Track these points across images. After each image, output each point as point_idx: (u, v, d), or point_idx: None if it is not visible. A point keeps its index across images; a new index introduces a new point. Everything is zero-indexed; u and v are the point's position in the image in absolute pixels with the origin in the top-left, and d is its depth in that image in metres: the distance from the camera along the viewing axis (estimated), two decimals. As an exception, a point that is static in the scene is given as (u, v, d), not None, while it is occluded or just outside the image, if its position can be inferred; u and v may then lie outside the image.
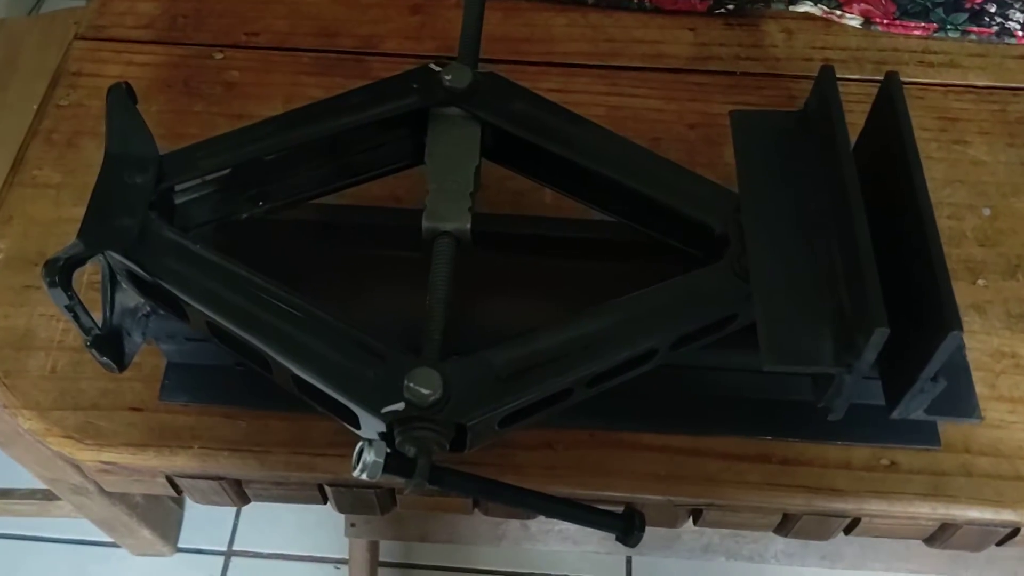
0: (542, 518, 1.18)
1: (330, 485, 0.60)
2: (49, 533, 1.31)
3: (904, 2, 0.79)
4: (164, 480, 0.61)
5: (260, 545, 1.32)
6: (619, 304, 0.52)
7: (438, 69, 0.59)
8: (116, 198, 0.54)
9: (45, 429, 0.59)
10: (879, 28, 0.79)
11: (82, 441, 0.59)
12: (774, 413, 0.60)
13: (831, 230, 0.53)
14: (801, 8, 0.80)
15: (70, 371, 0.61)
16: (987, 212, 0.68)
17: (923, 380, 0.49)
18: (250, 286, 0.52)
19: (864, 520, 0.59)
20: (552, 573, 1.31)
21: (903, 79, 0.74)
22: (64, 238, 0.62)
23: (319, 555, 1.31)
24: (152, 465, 0.59)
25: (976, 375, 0.60)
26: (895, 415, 0.52)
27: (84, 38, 0.77)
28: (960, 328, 0.46)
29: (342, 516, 1.18)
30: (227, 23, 0.78)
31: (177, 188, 0.56)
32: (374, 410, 0.48)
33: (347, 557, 1.27)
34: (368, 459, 0.47)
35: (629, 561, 1.31)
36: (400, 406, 0.48)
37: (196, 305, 0.52)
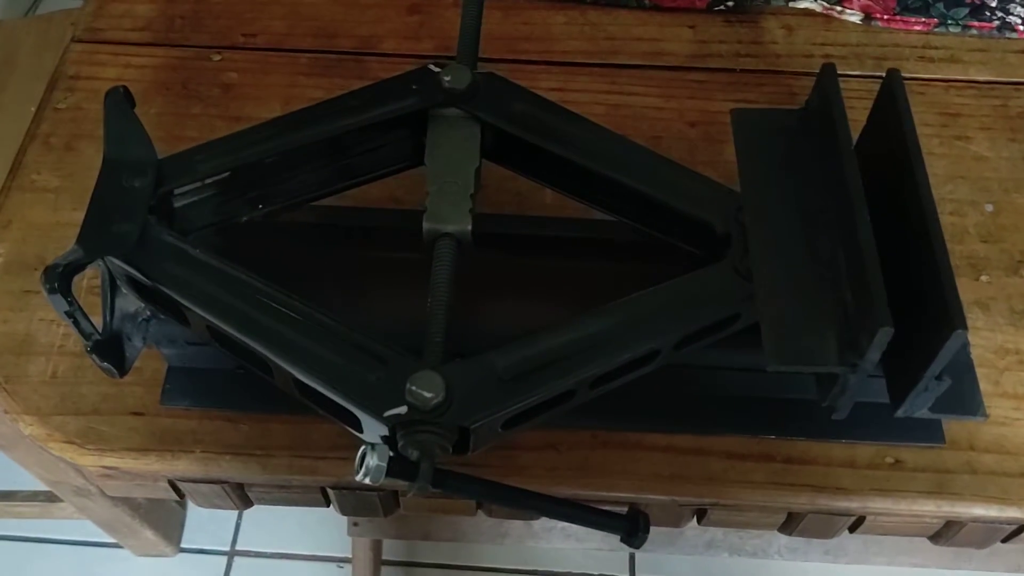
0: (545, 517, 1.18)
1: (333, 488, 0.59)
2: (52, 535, 1.31)
3: (904, -3, 0.79)
4: (166, 484, 0.61)
5: (263, 545, 1.32)
6: (621, 305, 0.52)
7: (437, 70, 0.59)
8: (115, 203, 0.53)
9: (46, 434, 0.59)
10: (879, 24, 0.78)
11: (83, 446, 0.59)
12: (778, 412, 0.59)
13: (834, 228, 0.52)
14: (801, 4, 0.79)
15: (71, 376, 0.61)
16: (989, 208, 0.68)
17: (927, 379, 0.49)
18: (251, 290, 0.52)
19: (869, 518, 0.59)
20: (555, 570, 1.31)
21: (904, 75, 0.73)
22: (63, 242, 0.62)
23: (322, 554, 1.31)
24: (154, 470, 0.59)
25: (980, 372, 0.60)
26: (899, 413, 0.52)
27: (81, 41, 0.77)
28: (965, 327, 0.46)
29: (345, 516, 1.18)
30: (225, 24, 0.78)
31: (176, 192, 0.56)
32: (377, 414, 0.48)
33: (350, 556, 1.27)
34: (371, 463, 0.47)
35: (632, 558, 1.31)
36: (403, 410, 0.48)
37: (196, 309, 0.51)
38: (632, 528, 0.52)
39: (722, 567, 1.30)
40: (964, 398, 0.55)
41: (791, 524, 0.60)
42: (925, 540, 1.10)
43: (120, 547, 1.28)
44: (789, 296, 0.51)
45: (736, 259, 0.53)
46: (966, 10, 0.77)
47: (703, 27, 0.78)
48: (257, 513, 1.34)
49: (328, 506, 0.62)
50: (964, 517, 0.58)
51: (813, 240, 0.53)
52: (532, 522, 1.19)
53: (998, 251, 0.66)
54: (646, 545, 1.24)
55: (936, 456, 0.58)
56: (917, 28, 0.78)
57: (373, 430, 0.50)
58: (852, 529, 0.61)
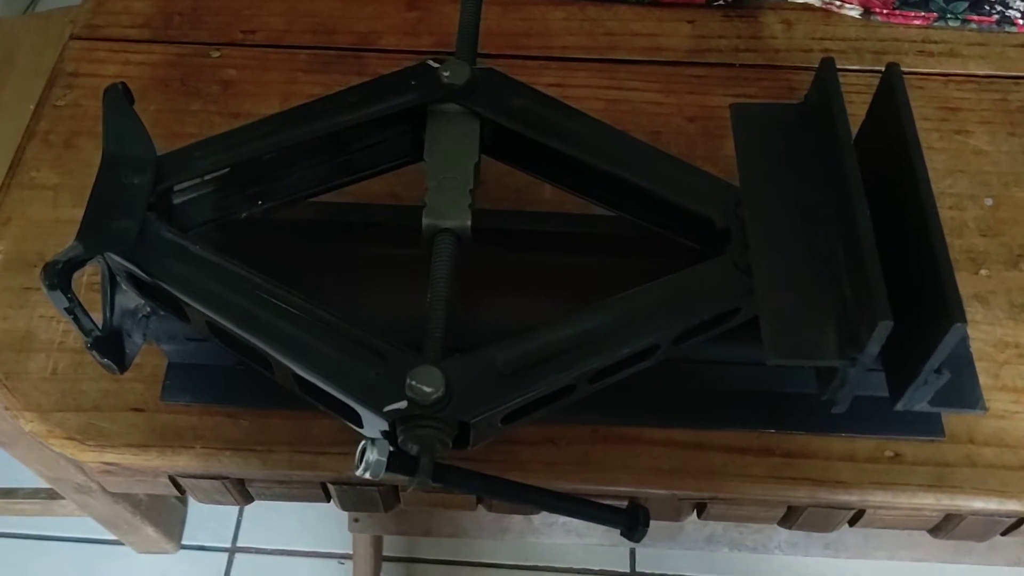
0: (545, 512, 1.18)
1: (333, 483, 0.60)
2: (54, 532, 1.31)
3: (903, -9, 0.79)
4: (167, 480, 0.61)
5: (264, 541, 1.33)
6: (621, 300, 0.52)
7: (436, 66, 0.58)
8: (114, 199, 0.53)
9: (47, 431, 0.59)
10: (878, 18, 0.78)
11: (84, 442, 0.59)
12: (777, 406, 0.59)
13: (833, 222, 0.52)
14: (800, -2, 0.79)
15: (71, 372, 0.61)
16: (989, 202, 0.68)
17: (927, 372, 0.49)
18: (250, 285, 0.52)
19: (868, 512, 0.59)
20: (556, 566, 1.31)
21: (903, 69, 0.73)
22: (63, 239, 0.62)
23: (323, 550, 1.31)
24: (155, 465, 0.59)
25: (980, 365, 0.60)
26: (899, 407, 0.52)
27: (80, 38, 0.77)
28: (964, 320, 0.46)
29: (345, 512, 1.18)
30: (223, 21, 0.78)
31: (176, 188, 0.56)
32: (377, 409, 0.48)
33: (351, 552, 1.28)
34: (371, 458, 0.47)
35: (633, 553, 1.31)
36: (402, 404, 0.48)
37: (196, 305, 0.51)
38: (632, 522, 0.52)
39: (723, 562, 1.30)
40: (963, 392, 0.55)
41: (791, 518, 0.60)
42: (925, 534, 1.10)
43: (121, 544, 1.28)
44: (788, 290, 0.51)
45: (735, 254, 0.53)
46: (965, 4, 0.77)
47: (702, 22, 0.78)
48: (258, 510, 1.34)
49: (329, 501, 0.62)
50: (964, 510, 0.58)
51: (812, 234, 0.53)
52: (532, 518, 1.19)
53: (997, 245, 0.66)
54: (646, 540, 1.24)
55: (936, 450, 0.59)
56: (916, 22, 0.78)
57: (373, 425, 0.50)
58: (852, 523, 0.61)
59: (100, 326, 0.53)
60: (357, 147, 0.60)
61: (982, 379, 0.59)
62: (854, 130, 0.56)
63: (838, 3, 0.79)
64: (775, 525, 1.17)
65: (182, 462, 0.59)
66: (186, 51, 0.76)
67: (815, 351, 0.49)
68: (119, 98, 0.56)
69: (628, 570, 1.31)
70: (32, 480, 1.07)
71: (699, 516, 0.61)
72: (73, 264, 0.50)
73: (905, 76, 0.72)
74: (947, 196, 0.68)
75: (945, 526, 0.60)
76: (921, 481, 0.58)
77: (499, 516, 1.18)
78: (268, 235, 0.62)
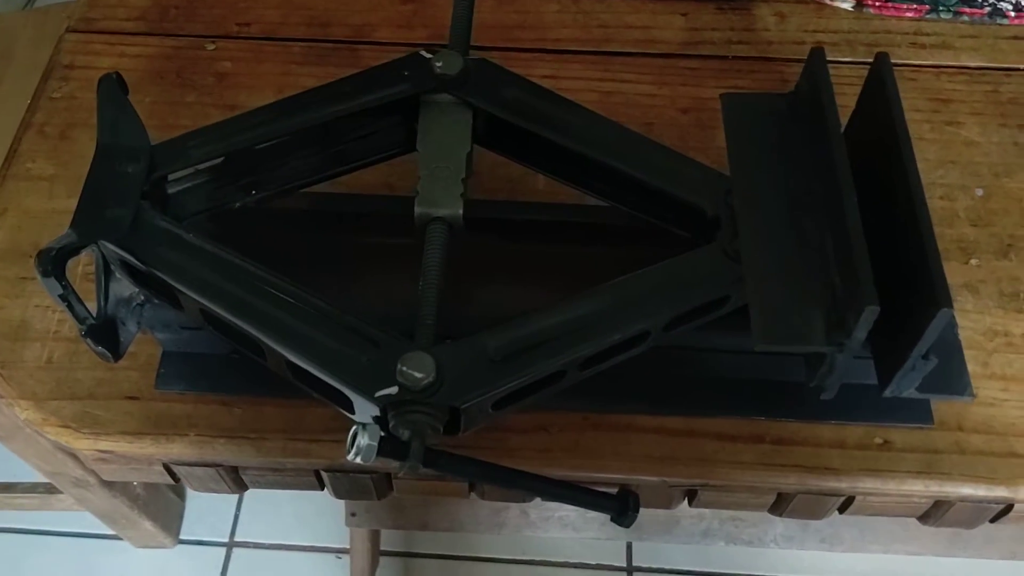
0: (541, 505, 1.18)
1: (326, 471, 0.60)
2: (51, 527, 1.31)
3: (896, -16, 0.79)
4: (161, 468, 0.61)
5: (261, 536, 1.33)
6: (611, 287, 0.53)
7: (429, 56, 0.59)
8: (108, 188, 0.54)
9: (42, 419, 0.60)
10: (871, 10, 0.79)
11: (79, 430, 0.59)
12: (768, 394, 0.60)
13: (822, 211, 0.53)
14: (793, -9, 0.80)
15: (66, 361, 0.62)
16: (980, 192, 0.69)
17: (914, 358, 0.50)
18: (243, 273, 0.52)
19: (858, 498, 0.59)
20: (553, 560, 1.31)
21: (895, 61, 0.74)
22: (58, 229, 0.61)
23: (320, 545, 1.32)
24: (149, 453, 0.59)
25: (969, 354, 0.61)
26: (887, 393, 0.52)
27: (76, 31, 0.77)
28: (950, 305, 0.46)
29: (343, 506, 1.18)
30: (219, 14, 0.78)
31: (170, 178, 0.57)
32: (368, 394, 0.49)
33: (348, 546, 1.28)
34: (362, 442, 0.47)
35: (630, 547, 1.32)
36: (393, 390, 0.48)
37: (189, 293, 0.52)
38: (622, 508, 0.52)
39: (719, 556, 1.30)
40: (952, 378, 0.56)
41: (781, 505, 0.61)
42: (920, 527, 1.10)
43: (119, 539, 1.29)
44: (777, 277, 0.51)
45: (725, 242, 0.54)
46: (957, -4, 0.78)
47: (695, 14, 0.78)
48: (256, 504, 1.35)
49: (322, 489, 0.63)
50: (952, 497, 0.58)
51: (802, 223, 0.53)
52: (528, 511, 1.20)
53: (988, 235, 0.66)
54: (642, 534, 1.24)
55: (925, 437, 0.59)
56: (908, 15, 0.78)
57: (365, 411, 0.50)
58: (842, 510, 0.61)
59: (94, 315, 0.53)
60: (350, 137, 0.60)
61: (971, 367, 0.60)
62: (845, 121, 0.57)
63: (831, -4, 0.79)
64: (771, 519, 1.17)
65: (176, 450, 0.59)
66: (181, 44, 0.76)
67: (803, 337, 0.49)
68: (113, 88, 0.57)
69: (625, 564, 1.31)
70: (30, 475, 1.07)
71: (690, 504, 0.61)
72: (67, 251, 0.50)
73: (897, 68, 0.73)
74: (938, 187, 0.69)
75: (934, 513, 0.61)
76: (910, 468, 0.58)
77: (495, 510, 1.19)
78: (262, 225, 0.62)
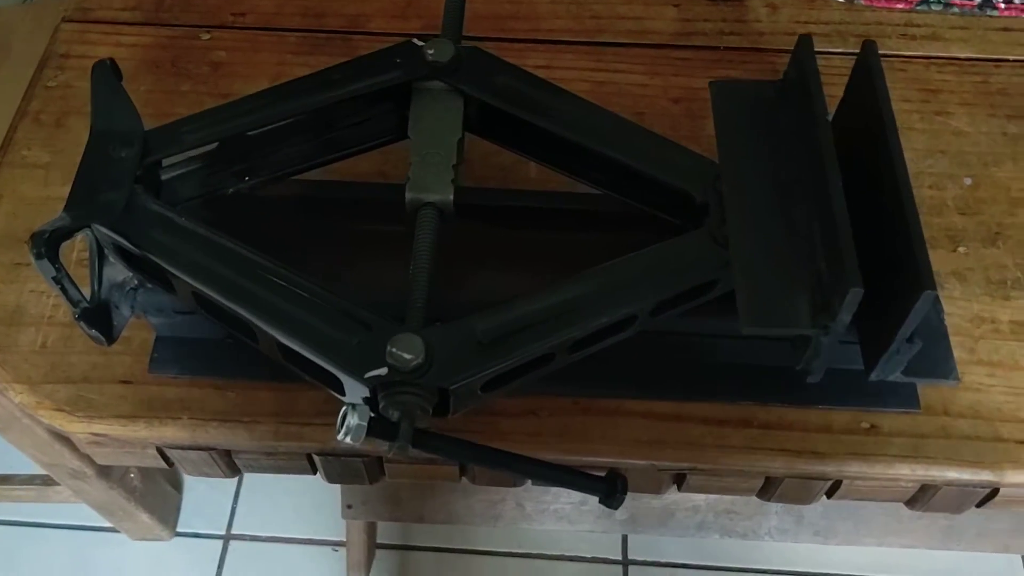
0: (537, 498, 1.19)
1: (318, 454, 0.60)
2: (48, 519, 1.32)
3: (887, -24, 0.80)
4: (155, 452, 0.62)
5: (258, 529, 1.33)
6: (599, 271, 0.53)
7: (421, 44, 0.59)
8: (102, 172, 0.54)
9: (36, 402, 0.60)
10: (862, 2, 0.79)
11: (73, 413, 0.60)
12: (756, 379, 0.60)
13: (809, 196, 0.53)
14: (785, -17, 0.80)
15: (60, 346, 0.62)
16: (968, 181, 0.69)
17: (899, 341, 0.50)
18: (235, 257, 0.53)
19: (845, 483, 0.60)
20: (549, 553, 1.31)
21: (886, 52, 0.75)
22: (53, 216, 0.62)
23: (317, 538, 1.32)
24: (142, 436, 0.60)
25: (956, 340, 0.61)
26: (873, 377, 0.53)
27: (72, 20, 0.78)
28: (933, 288, 0.47)
29: (339, 499, 1.19)
30: (214, 4, 0.79)
31: (164, 164, 0.57)
32: (358, 375, 0.49)
33: (345, 539, 1.28)
34: (352, 423, 0.48)
35: (625, 540, 1.32)
36: (383, 371, 0.49)
37: (182, 276, 0.52)
38: (610, 489, 0.53)
39: (713, 549, 1.30)
40: (937, 363, 0.56)
41: (769, 489, 0.61)
42: (914, 520, 1.10)
43: (116, 531, 1.29)
44: (764, 262, 0.52)
45: (713, 227, 0.54)
46: (948, -12, 0.78)
47: (687, 5, 0.79)
48: (252, 497, 1.35)
49: (315, 473, 0.63)
50: (938, 480, 0.59)
51: (789, 208, 0.54)
52: (524, 504, 1.20)
53: (975, 223, 0.67)
54: (637, 527, 1.25)
55: (911, 421, 0.59)
56: (899, 6, 0.79)
57: (355, 392, 0.51)
58: (829, 494, 0.62)
59: (88, 298, 0.53)
60: (343, 124, 0.61)
61: (958, 353, 0.61)
62: (834, 110, 0.57)
63: (822, -13, 0.80)
64: (766, 512, 1.17)
65: (169, 433, 0.60)
66: (177, 33, 0.77)
67: (788, 320, 0.50)
68: (107, 74, 0.57)
69: (620, 557, 1.32)
70: (28, 467, 1.08)
71: (679, 488, 0.62)
72: (60, 234, 0.51)
73: (888, 59, 0.74)
74: (927, 176, 0.69)
75: (921, 497, 0.61)
76: (897, 452, 0.58)
77: (491, 503, 1.19)
78: (255, 212, 0.62)
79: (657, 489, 0.62)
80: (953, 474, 0.58)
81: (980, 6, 0.78)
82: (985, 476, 0.58)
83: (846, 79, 0.58)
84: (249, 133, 0.58)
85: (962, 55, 0.76)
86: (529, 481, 0.63)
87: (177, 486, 1.35)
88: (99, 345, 0.55)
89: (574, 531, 1.25)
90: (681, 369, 0.61)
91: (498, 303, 0.52)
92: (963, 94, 0.74)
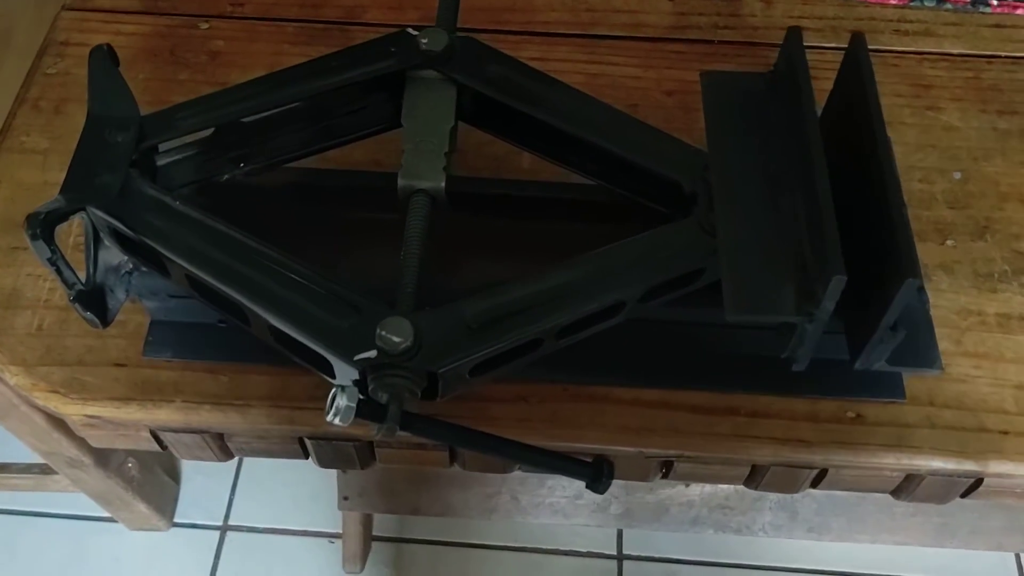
0: (532, 491, 1.19)
1: (310, 438, 0.61)
2: (46, 508, 1.33)
3: (881, -28, 0.80)
4: (148, 434, 0.62)
5: (255, 520, 1.34)
6: (588, 258, 0.54)
7: (415, 33, 0.60)
8: (98, 156, 0.55)
9: (31, 384, 0.61)
10: (856, -3, 0.80)
11: (67, 395, 0.60)
12: (743, 368, 0.61)
13: (796, 186, 0.54)
14: (780, -23, 0.81)
15: (56, 328, 0.63)
16: (958, 176, 0.70)
17: (882, 329, 0.51)
18: (228, 240, 0.54)
19: (831, 471, 0.60)
20: (544, 547, 1.32)
21: (879, 47, 0.75)
22: (50, 200, 0.63)
23: (313, 529, 1.33)
24: (136, 419, 0.60)
25: (942, 332, 0.62)
26: (858, 365, 0.53)
27: (72, 8, 0.78)
28: (916, 276, 0.47)
29: (335, 491, 1.19)
30: (213, -7, 0.80)
31: (160, 149, 0.58)
32: (347, 357, 0.50)
33: (341, 531, 1.29)
34: (341, 404, 0.49)
35: (620, 534, 1.33)
36: (372, 354, 0.50)
37: (175, 259, 0.53)
38: (596, 474, 0.54)
39: (708, 545, 1.31)
40: (921, 352, 0.57)
41: (755, 477, 0.62)
42: (907, 517, 1.10)
43: (114, 521, 1.30)
44: (750, 250, 0.52)
45: (701, 216, 0.55)
46: (941, -16, 0.79)
47: (682, -1, 0.80)
48: (250, 489, 1.36)
49: (307, 458, 0.64)
50: (923, 470, 0.59)
51: (776, 198, 0.54)
52: (519, 498, 1.21)
53: (964, 217, 0.67)
54: (632, 521, 1.25)
55: (897, 411, 0.60)
56: (893, 2, 0.79)
57: (345, 374, 0.51)
58: (816, 483, 0.62)
59: (84, 281, 0.54)
60: (338, 113, 0.62)
61: (944, 345, 0.61)
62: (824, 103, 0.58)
63: (817, -17, 0.80)
64: (760, 508, 1.18)
65: (163, 415, 0.60)
66: (175, 22, 0.77)
67: (773, 307, 0.51)
68: (104, 59, 0.58)
69: (615, 552, 1.32)
70: (26, 456, 1.08)
71: (666, 476, 0.62)
72: (55, 216, 0.52)
73: (880, 54, 0.74)
74: (917, 170, 0.70)
75: (906, 487, 0.62)
76: (882, 441, 0.59)
77: (486, 495, 1.20)
78: (250, 198, 0.63)
79: (645, 476, 0.62)
80: (937, 464, 0.59)
81: (973, 3, 0.79)
82: (969, 466, 0.58)
83: (839, 73, 0.59)
84: (244, 120, 0.59)
85: (954, 51, 0.76)
86: (518, 467, 0.63)
87: (175, 477, 1.36)
88: (94, 328, 0.56)
89: (569, 525, 1.25)
90: (670, 357, 0.62)
91: (487, 288, 0.53)
92: (955, 89, 0.74)
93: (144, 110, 0.58)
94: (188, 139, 0.58)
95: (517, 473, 1.18)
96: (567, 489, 1.21)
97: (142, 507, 1.24)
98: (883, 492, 0.63)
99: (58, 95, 0.73)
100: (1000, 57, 0.76)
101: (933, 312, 0.61)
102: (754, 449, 0.59)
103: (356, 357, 0.50)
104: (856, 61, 0.56)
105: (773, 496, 1.19)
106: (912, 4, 0.79)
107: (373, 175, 0.66)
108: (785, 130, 0.56)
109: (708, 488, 1.19)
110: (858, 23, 0.78)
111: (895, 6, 0.79)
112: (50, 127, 0.72)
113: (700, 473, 0.61)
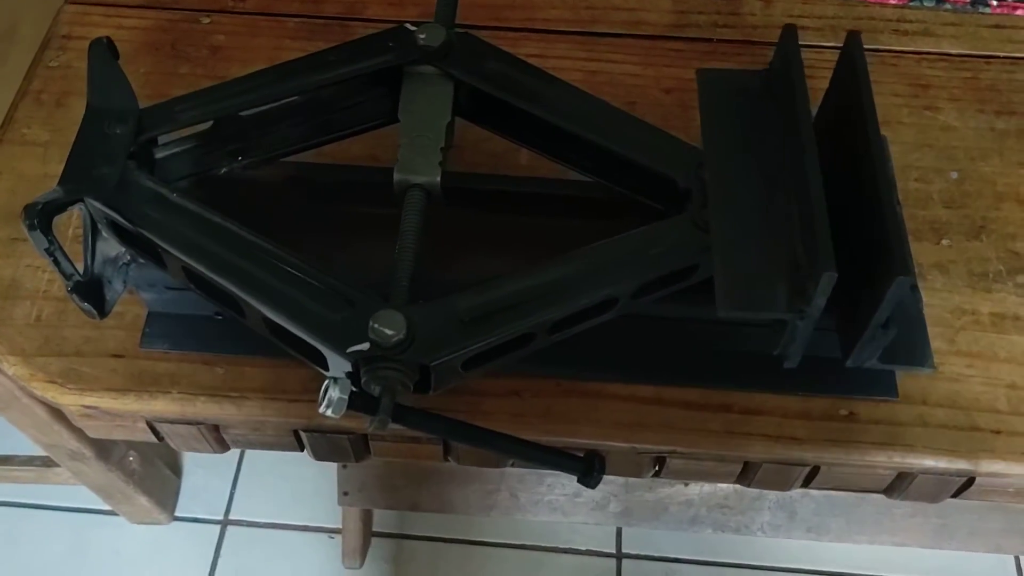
0: (531, 488, 1.20)
1: (305, 430, 0.61)
2: (48, 500, 1.33)
3: (881, -28, 0.80)
4: (145, 425, 0.63)
5: (256, 514, 1.34)
6: (581, 253, 0.54)
7: (413, 28, 0.60)
8: (96, 148, 0.56)
9: (30, 374, 0.61)
10: (855, -4, 0.80)
11: (65, 386, 0.61)
12: (737, 364, 0.61)
13: (789, 184, 0.54)
14: (779, -23, 0.81)
15: (54, 319, 0.63)
16: (954, 176, 0.70)
17: (874, 327, 0.51)
18: (224, 233, 0.54)
19: (823, 469, 0.61)
20: (543, 545, 1.32)
21: (878, 46, 0.75)
22: (50, 192, 0.64)
23: (313, 524, 1.33)
24: (132, 409, 0.61)
25: (936, 331, 0.62)
26: (849, 363, 0.53)
27: (74, 2, 0.79)
28: (907, 274, 0.47)
29: (336, 486, 1.20)
30: (215, -12, 0.80)
31: (159, 142, 0.58)
32: (340, 349, 0.50)
33: (341, 527, 1.30)
34: (333, 396, 0.49)
35: (619, 533, 1.33)
36: (365, 346, 0.50)
37: (172, 251, 0.53)
38: (587, 468, 0.54)
39: (707, 544, 1.31)
40: (913, 350, 0.57)
41: (748, 474, 0.62)
42: (907, 518, 1.10)
43: (115, 514, 1.31)
44: (743, 247, 0.53)
45: (695, 212, 0.55)
46: (941, -16, 0.79)
47: (682, -2, 0.80)
48: (250, 483, 1.36)
49: (302, 450, 0.64)
50: (915, 468, 0.59)
51: (770, 195, 0.55)
52: (519, 495, 1.21)
53: (960, 216, 0.68)
54: (631, 520, 1.25)
55: (889, 409, 0.60)
56: (892, 1, 0.79)
57: (338, 367, 0.52)
58: (808, 481, 0.62)
59: (82, 272, 0.55)
60: (336, 107, 0.62)
61: (938, 344, 0.61)
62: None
63: (817, -18, 0.80)
64: (759, 507, 1.18)
65: (159, 407, 0.61)
66: (177, 17, 0.78)
67: (764, 304, 0.51)
68: (103, 52, 0.58)
69: (614, 550, 1.32)
70: (28, 448, 1.09)
71: (659, 472, 0.63)
72: (53, 206, 0.52)
73: (879, 53, 0.74)
74: (914, 169, 0.70)
75: (898, 485, 0.62)
76: (874, 439, 0.59)
77: (486, 492, 1.20)
78: (248, 192, 0.63)
79: (638, 472, 0.63)
80: (929, 462, 0.59)
81: (973, 3, 0.79)
82: (961, 465, 0.59)
83: (838, 73, 0.59)
84: (243, 113, 0.59)
85: (953, 51, 0.76)
86: (511, 462, 0.63)
87: (176, 471, 1.36)
88: (92, 319, 0.57)
89: (568, 523, 1.26)
90: (663, 354, 0.62)
91: (481, 282, 0.53)
92: (953, 89, 0.74)
93: (145, 103, 0.58)
94: (186, 132, 0.59)
95: (516, 470, 1.18)
96: (566, 487, 1.21)
97: (143, 500, 1.25)
98: (875, 491, 0.63)
99: (59, 88, 0.74)
100: (999, 57, 0.76)
101: (927, 311, 0.60)
102: (747, 446, 0.59)
103: (349, 349, 0.50)
104: (851, 60, 0.56)
105: (772, 496, 1.19)
106: (911, 4, 0.79)
107: (370, 170, 0.66)
108: (780, 128, 0.56)
109: (707, 487, 1.19)
110: (857, 22, 0.78)
111: (894, 6, 0.79)
112: (51, 120, 0.72)
113: (693, 469, 0.62)
